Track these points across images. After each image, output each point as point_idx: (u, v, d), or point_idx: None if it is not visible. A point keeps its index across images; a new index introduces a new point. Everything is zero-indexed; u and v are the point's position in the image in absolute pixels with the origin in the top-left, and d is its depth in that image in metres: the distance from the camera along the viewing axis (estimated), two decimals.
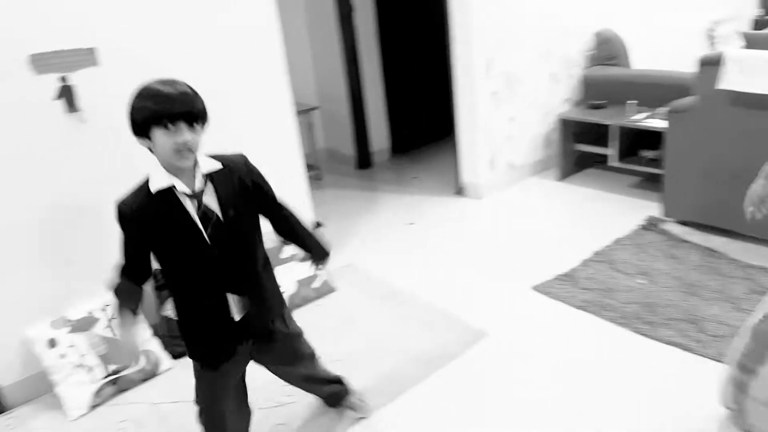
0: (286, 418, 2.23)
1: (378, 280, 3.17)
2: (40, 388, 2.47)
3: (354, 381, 2.38)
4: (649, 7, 4.74)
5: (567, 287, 2.87)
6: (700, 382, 2.18)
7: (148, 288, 1.73)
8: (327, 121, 5.17)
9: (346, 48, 4.70)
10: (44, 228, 2.40)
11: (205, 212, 1.57)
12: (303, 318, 2.83)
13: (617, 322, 2.58)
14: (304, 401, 2.30)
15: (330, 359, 2.51)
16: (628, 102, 3.93)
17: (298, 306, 2.95)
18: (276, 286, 1.84)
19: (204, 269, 1.61)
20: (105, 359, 2.43)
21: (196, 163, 1.57)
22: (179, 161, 1.51)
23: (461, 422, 2.15)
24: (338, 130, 5.10)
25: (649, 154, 3.85)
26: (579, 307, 2.71)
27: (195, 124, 1.51)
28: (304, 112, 4.50)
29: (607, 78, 4.31)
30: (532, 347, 2.51)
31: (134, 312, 1.66)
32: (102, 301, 2.49)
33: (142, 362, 2.51)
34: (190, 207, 1.56)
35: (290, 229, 1.86)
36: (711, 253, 3.05)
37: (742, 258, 2.96)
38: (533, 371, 2.36)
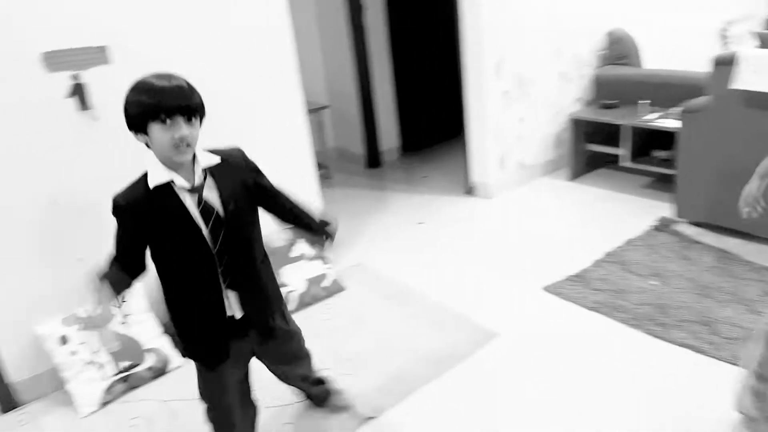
0: (294, 417, 2.23)
1: (387, 279, 3.17)
2: (51, 385, 2.48)
3: (363, 380, 2.38)
4: (661, 6, 4.70)
5: (578, 288, 2.86)
6: (713, 385, 2.16)
7: (153, 285, 1.69)
8: (337, 119, 5.17)
9: (356, 47, 4.70)
10: (56, 225, 2.41)
11: (205, 207, 1.55)
12: (312, 317, 2.86)
13: (629, 323, 2.56)
14: None
15: (339, 358, 2.52)
16: (641, 102, 3.90)
17: (308, 305, 2.95)
18: (275, 282, 1.83)
19: (202, 265, 1.59)
20: (116, 356, 2.44)
21: (194, 158, 1.55)
22: (177, 156, 1.49)
23: (471, 423, 2.14)
24: (348, 129, 5.10)
25: (661, 154, 3.82)
26: (591, 308, 2.70)
27: (192, 119, 1.49)
28: (314, 110, 4.49)
29: (619, 77, 4.28)
30: (543, 348, 2.49)
31: (116, 292, 1.57)
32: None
33: (153, 359, 2.51)
34: (190, 202, 1.54)
35: (292, 214, 1.84)
36: (724, 255, 3.02)
37: (756, 260, 2.93)
38: (544, 372, 2.35)
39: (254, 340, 1.78)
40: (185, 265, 1.60)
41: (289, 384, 2.11)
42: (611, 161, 4.26)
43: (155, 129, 1.45)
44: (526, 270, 3.12)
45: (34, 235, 2.36)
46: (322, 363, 2.50)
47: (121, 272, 1.59)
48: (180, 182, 1.52)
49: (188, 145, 1.48)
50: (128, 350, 2.46)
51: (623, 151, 3.91)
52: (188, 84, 1.50)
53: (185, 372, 2.54)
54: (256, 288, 1.71)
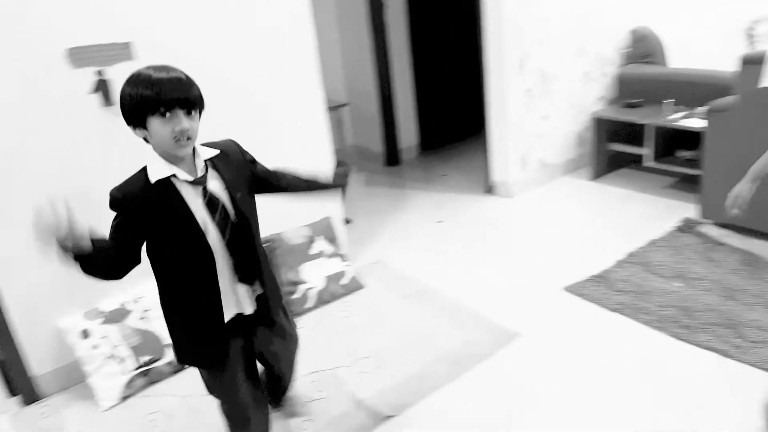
0: (316, 413, 2.22)
1: (406, 277, 3.15)
2: (73, 378, 2.51)
3: (382, 378, 2.37)
4: (687, 4, 4.62)
5: (601, 289, 2.82)
6: (738, 389, 2.12)
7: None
8: (356, 117, 5.16)
9: (376, 44, 4.68)
10: (79, 219, 2.42)
11: (211, 199, 1.52)
12: (331, 314, 2.86)
13: (653, 325, 2.52)
14: (333, 398, 2.29)
15: (358, 356, 2.52)
16: (665, 101, 3.84)
17: (327, 302, 2.95)
18: (276, 278, 1.81)
19: (201, 262, 1.53)
20: (136, 351, 2.45)
21: (194, 151, 1.52)
22: (178, 150, 1.45)
23: (491, 423, 2.12)
24: (367, 127, 5.09)
25: (685, 154, 3.76)
26: (614, 310, 2.66)
27: (192, 112, 1.45)
28: (333, 108, 4.49)
29: (643, 76, 4.22)
30: (565, 349, 2.46)
31: (84, 258, 1.44)
32: (134, 293, 2.52)
33: (172, 355, 2.52)
34: (194, 195, 1.50)
35: (297, 183, 1.82)
36: (750, 257, 2.96)
37: None
38: (566, 374, 2.32)
39: (259, 336, 1.75)
40: (184, 261, 1.54)
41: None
42: (634, 161, 4.20)
43: (154, 122, 1.42)
44: (546, 270, 3.08)
45: None
46: (340, 360, 2.50)
47: (108, 251, 1.47)
48: (183, 176, 1.48)
49: (189, 139, 1.45)
50: (148, 345, 2.47)
51: (647, 151, 3.85)
52: (187, 76, 1.46)
53: None
54: (264, 279, 1.68)
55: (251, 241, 1.63)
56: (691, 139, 3.60)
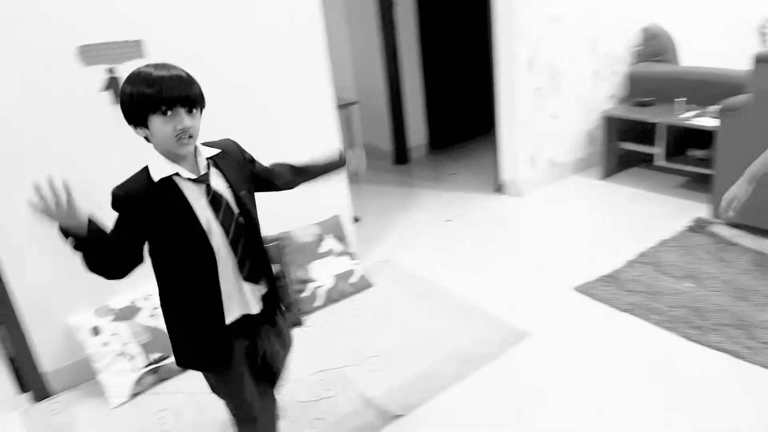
0: (324, 412, 2.22)
1: (415, 276, 3.15)
2: (83, 375, 2.52)
3: (391, 377, 2.37)
4: (699, 2, 4.58)
5: (611, 289, 2.80)
6: (750, 391, 2.10)
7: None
8: (365, 116, 5.15)
9: (385, 42, 4.68)
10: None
11: (214, 197, 1.51)
12: (340, 313, 2.86)
13: (664, 326, 2.50)
14: (341, 397, 2.29)
15: (366, 355, 2.51)
16: (677, 99, 3.81)
17: (335, 300, 2.95)
18: (282, 275, 1.78)
19: (202, 262, 1.51)
20: (146, 348, 2.46)
21: (195, 150, 1.51)
22: (180, 148, 1.43)
23: (500, 423, 2.11)
24: (376, 125, 5.08)
25: (697, 153, 3.73)
26: (624, 310, 2.64)
27: (193, 110, 1.44)
28: (342, 107, 4.48)
29: (655, 75, 4.19)
30: (575, 350, 2.45)
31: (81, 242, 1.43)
32: (144, 290, 2.53)
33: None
34: (197, 194, 1.49)
35: (296, 178, 1.81)
36: (762, 257, 2.94)
37: None
38: (576, 374, 2.31)
39: (263, 336, 1.72)
40: (185, 261, 1.52)
41: None
42: (644, 160, 4.17)
43: (156, 121, 1.40)
44: (556, 269, 3.07)
45: None
46: (349, 359, 2.50)
47: (109, 246, 1.46)
48: (185, 174, 1.47)
49: (190, 137, 1.43)
50: (158, 342, 2.48)
51: (658, 150, 3.82)
52: (187, 74, 1.44)
53: None
54: (270, 276, 1.67)
55: (256, 238, 1.62)
56: (703, 138, 3.57)
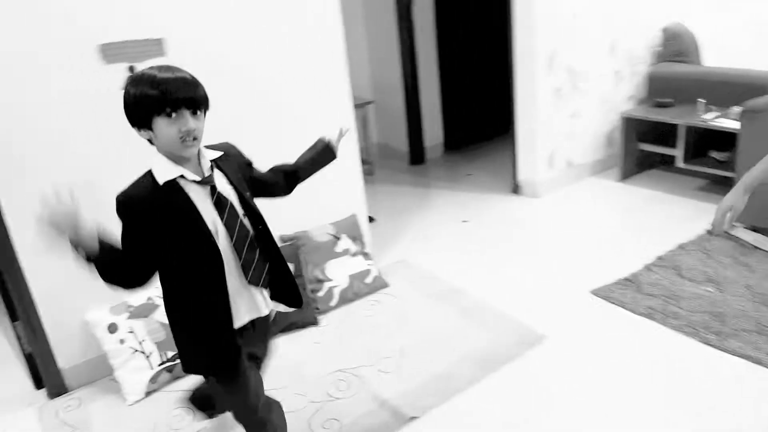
0: (338, 413, 2.21)
1: (431, 276, 3.13)
2: (99, 372, 2.53)
3: (406, 379, 2.35)
4: (722, 1, 4.52)
5: (629, 292, 2.76)
6: None
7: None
8: (381, 115, 5.14)
9: (402, 41, 4.66)
10: (107, 215, 2.44)
11: (219, 199, 1.50)
12: (355, 313, 2.85)
13: (684, 331, 2.46)
14: (356, 397, 2.28)
15: (381, 355, 2.50)
16: (698, 100, 3.76)
17: (350, 300, 2.94)
18: (292, 275, 1.76)
19: (217, 262, 1.50)
20: (161, 346, 2.46)
21: (199, 152, 1.50)
22: (184, 151, 1.43)
23: (516, 426, 2.09)
24: (392, 125, 5.07)
25: (718, 155, 3.67)
26: (642, 314, 2.60)
27: (198, 112, 1.43)
28: (358, 106, 4.47)
29: (675, 75, 4.13)
30: (593, 353, 2.42)
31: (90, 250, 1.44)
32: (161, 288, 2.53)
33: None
34: (203, 196, 1.48)
35: (289, 175, 1.80)
36: None
37: None
38: (594, 379, 2.28)
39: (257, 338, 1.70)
40: (192, 264, 1.51)
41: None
42: (664, 162, 4.12)
43: (160, 123, 1.39)
44: (573, 271, 3.04)
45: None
46: (364, 359, 2.49)
47: (122, 259, 1.47)
48: (190, 176, 1.46)
49: (195, 139, 1.43)
50: (173, 340, 2.47)
51: (678, 152, 3.77)
52: (192, 76, 1.44)
53: None
54: (279, 278, 1.66)
55: (264, 238, 1.61)
56: (725, 140, 3.51)
